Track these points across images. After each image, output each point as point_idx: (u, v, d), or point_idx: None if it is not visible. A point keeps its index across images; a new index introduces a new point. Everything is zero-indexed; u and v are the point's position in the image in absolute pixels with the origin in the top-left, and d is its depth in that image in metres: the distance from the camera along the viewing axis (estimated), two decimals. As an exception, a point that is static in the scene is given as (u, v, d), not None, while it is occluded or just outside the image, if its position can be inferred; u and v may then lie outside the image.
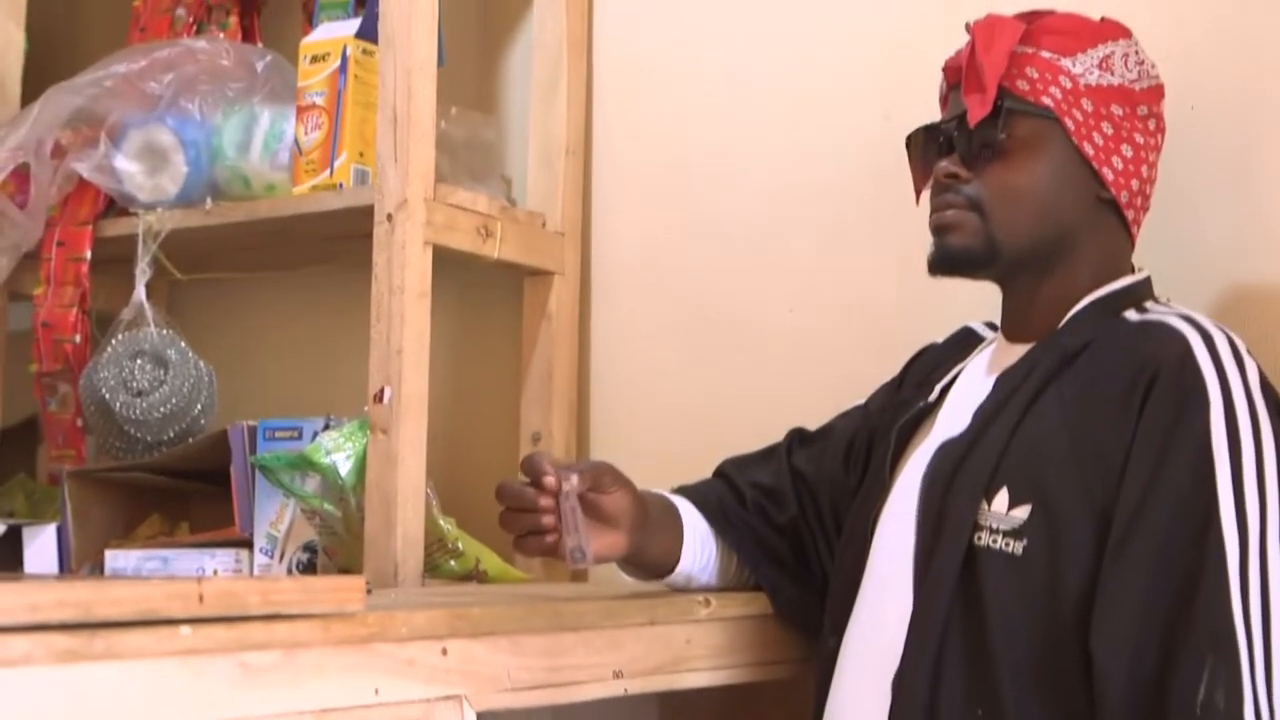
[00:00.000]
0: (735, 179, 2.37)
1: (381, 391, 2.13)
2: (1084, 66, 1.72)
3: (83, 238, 2.54)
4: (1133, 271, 1.78)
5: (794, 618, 1.92)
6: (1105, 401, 1.60)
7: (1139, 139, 1.74)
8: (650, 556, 1.85)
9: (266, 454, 2.21)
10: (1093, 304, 1.73)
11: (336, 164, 2.30)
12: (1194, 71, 1.97)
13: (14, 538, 2.41)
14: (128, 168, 2.47)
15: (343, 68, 2.32)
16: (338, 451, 2.16)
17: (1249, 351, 1.61)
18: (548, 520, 1.68)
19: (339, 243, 2.46)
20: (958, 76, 1.77)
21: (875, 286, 2.08)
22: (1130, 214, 1.75)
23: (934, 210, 1.77)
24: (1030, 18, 1.77)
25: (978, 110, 1.71)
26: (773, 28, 2.36)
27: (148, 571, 2.27)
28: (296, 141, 2.34)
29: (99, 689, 1.12)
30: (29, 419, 2.75)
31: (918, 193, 1.83)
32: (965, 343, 1.92)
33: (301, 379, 2.76)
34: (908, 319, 2.02)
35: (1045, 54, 1.73)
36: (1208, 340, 1.59)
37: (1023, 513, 1.60)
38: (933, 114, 1.84)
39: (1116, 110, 1.73)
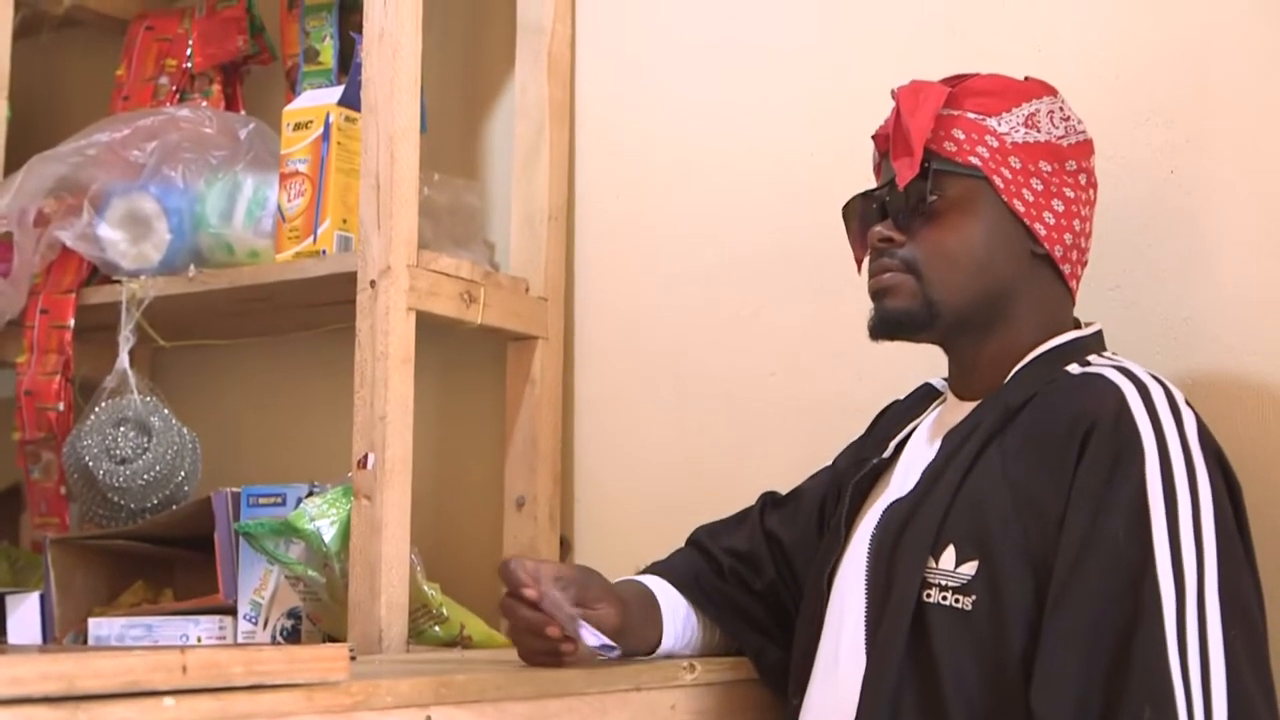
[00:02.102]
0: (717, 243, 2.38)
1: (365, 458, 2.13)
2: (1010, 125, 1.74)
3: (66, 305, 2.54)
4: (1076, 325, 1.80)
5: (779, 681, 1.91)
6: (1043, 455, 1.61)
7: (1069, 194, 1.75)
8: (631, 650, 1.84)
9: (250, 520, 2.21)
10: (1035, 359, 1.74)
11: (320, 230, 2.31)
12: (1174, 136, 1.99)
13: (-3, 605, 2.41)
14: (111, 236, 2.47)
15: (325, 135, 2.33)
16: (322, 518, 2.15)
17: (1187, 402, 1.63)
18: (552, 632, 1.69)
19: (322, 309, 2.47)
20: (887, 144, 1.79)
21: (856, 350, 2.09)
22: (1066, 268, 1.77)
23: (871, 275, 1.79)
24: (954, 81, 1.79)
25: (906, 173, 1.73)
26: (754, 94, 2.37)
27: (131, 639, 2.26)
28: (280, 208, 2.35)
29: (83, 762, 1.12)
30: (12, 487, 2.75)
31: (859, 262, 1.84)
32: (927, 398, 1.93)
33: (285, 445, 2.76)
34: (891, 383, 2.02)
35: (971, 115, 1.75)
36: (1143, 392, 1.60)
37: (970, 569, 1.61)
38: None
39: (1045, 166, 1.74)
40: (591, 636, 1.69)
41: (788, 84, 2.35)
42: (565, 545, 2.43)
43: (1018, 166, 1.73)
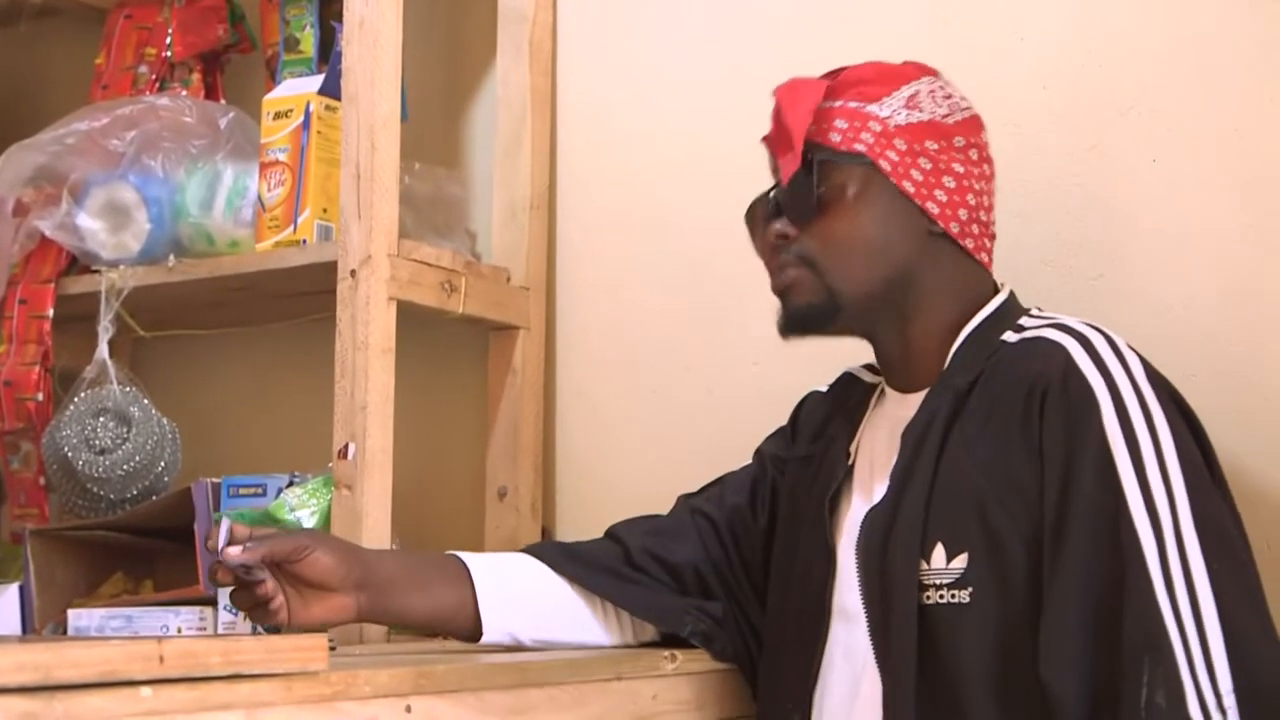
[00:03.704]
0: (700, 232, 2.37)
1: (346, 448, 2.12)
2: (891, 108, 1.75)
3: (45, 296, 2.53)
4: (995, 294, 1.80)
5: (724, 653, 1.90)
6: (1005, 431, 1.63)
7: (959, 169, 1.76)
8: (413, 613, 1.81)
9: (231, 510, 2.20)
10: (970, 336, 1.75)
11: (300, 220, 2.30)
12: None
13: (-27, 596, 2.39)
14: (90, 225, 2.46)
15: (306, 124, 2.32)
16: (302, 508, 2.15)
17: (1129, 346, 1.64)
18: (221, 577, 1.65)
19: (303, 299, 2.46)
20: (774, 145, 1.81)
21: (839, 340, 2.08)
22: (969, 242, 1.77)
23: (772, 275, 1.81)
24: (832, 74, 1.80)
25: (789, 167, 1.75)
26: (737, 82, 2.37)
27: (111, 630, 2.25)
28: (260, 198, 2.34)
29: (59, 752, 1.11)
30: (-10, 478, 2.74)
31: (768, 266, 1.84)
32: (849, 388, 1.94)
33: (265, 435, 2.75)
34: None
35: (852, 104, 1.76)
36: (1086, 344, 1.63)
37: (961, 562, 1.62)
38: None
39: (931, 145, 1.75)
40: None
41: (771, 72, 2.33)
42: (547, 535, 2.43)
43: (903, 148, 1.74)
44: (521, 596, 1.86)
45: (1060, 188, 2.07)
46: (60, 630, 2.35)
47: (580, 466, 2.45)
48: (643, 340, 2.41)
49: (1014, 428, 1.62)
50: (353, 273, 2.16)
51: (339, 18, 2.30)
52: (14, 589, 2.41)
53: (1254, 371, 1.92)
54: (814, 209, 1.75)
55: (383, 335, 2.16)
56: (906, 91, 1.76)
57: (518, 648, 1.85)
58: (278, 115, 2.35)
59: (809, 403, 1.99)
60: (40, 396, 2.53)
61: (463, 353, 2.53)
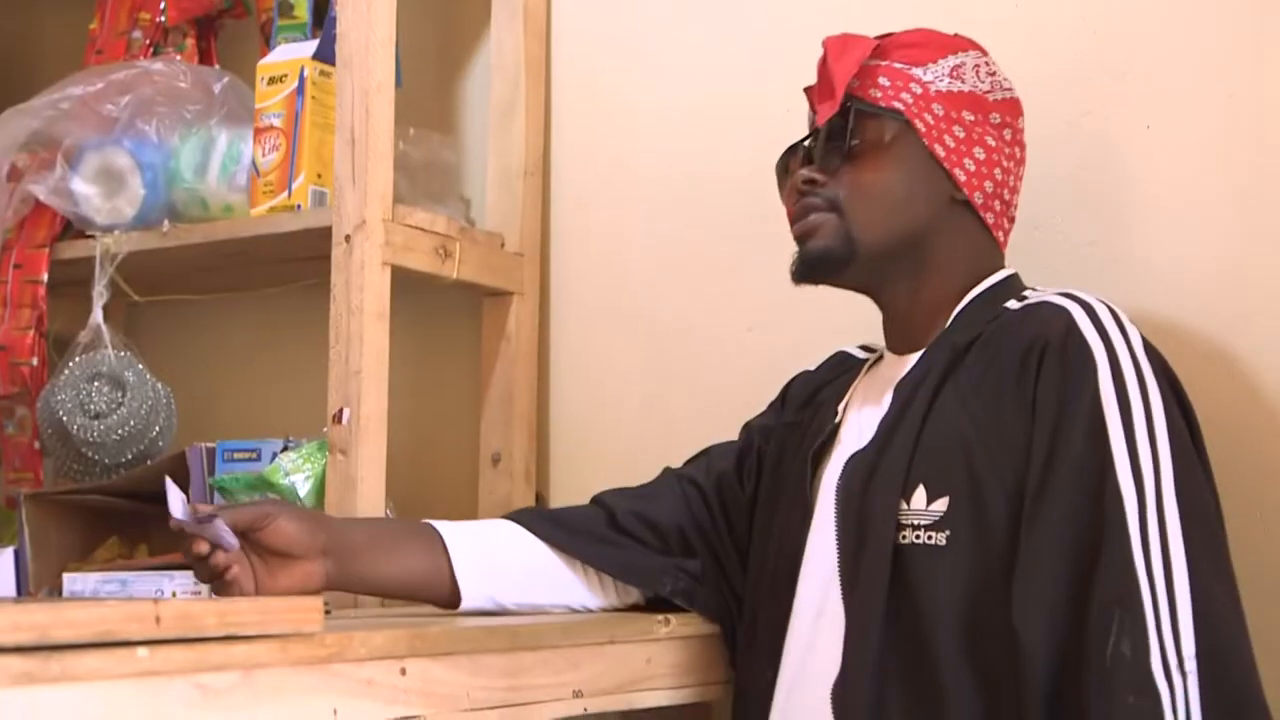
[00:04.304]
0: (693, 199, 2.37)
1: (340, 412, 2.13)
2: (935, 75, 1.78)
3: (40, 260, 2.53)
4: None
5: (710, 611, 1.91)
6: (1001, 385, 1.65)
7: (991, 143, 1.79)
8: (384, 579, 1.81)
9: (225, 475, 2.21)
10: (974, 301, 1.78)
11: (294, 185, 2.30)
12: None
13: (-31, 561, 2.40)
14: (84, 190, 2.46)
15: (300, 89, 2.32)
16: (296, 473, 2.15)
17: (1130, 320, 1.66)
18: (199, 548, 1.64)
19: (297, 264, 2.46)
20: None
21: (833, 307, 2.09)
22: (989, 216, 1.80)
23: (795, 220, 1.82)
24: (884, 36, 1.83)
25: (827, 111, 1.77)
26: (731, 48, 2.37)
27: (106, 594, 2.26)
28: (254, 163, 2.34)
29: (55, 712, 1.11)
30: (-14, 443, 2.74)
31: (790, 218, 1.85)
32: (842, 365, 1.97)
33: (260, 400, 2.76)
34: (865, 339, 2.02)
35: (897, 65, 1.79)
36: (1089, 310, 1.65)
37: (942, 505, 1.64)
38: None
39: (968, 115, 1.78)
40: (225, 534, 1.64)
41: (766, 39, 2.34)
42: (541, 501, 2.43)
43: (940, 114, 1.77)
44: (500, 561, 1.87)
45: (1054, 153, 2.07)
46: (55, 594, 2.36)
47: (574, 432, 2.46)
48: (637, 306, 2.41)
49: (1009, 383, 1.64)
50: (347, 238, 2.17)
51: (334, -17, 2.30)
52: (9, 553, 2.42)
53: (1245, 339, 1.92)
54: (846, 155, 1.77)
55: (377, 300, 2.16)
56: (952, 61, 1.80)
57: (501, 612, 1.85)
58: (272, 80, 2.35)
59: (799, 379, 2.02)
60: (35, 361, 2.53)
61: (456, 318, 2.53)
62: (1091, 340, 1.61)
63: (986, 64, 1.82)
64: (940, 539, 1.62)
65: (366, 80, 2.18)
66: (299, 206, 2.29)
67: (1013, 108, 1.83)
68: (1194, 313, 1.95)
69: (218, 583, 1.66)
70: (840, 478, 1.75)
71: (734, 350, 2.32)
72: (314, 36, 2.46)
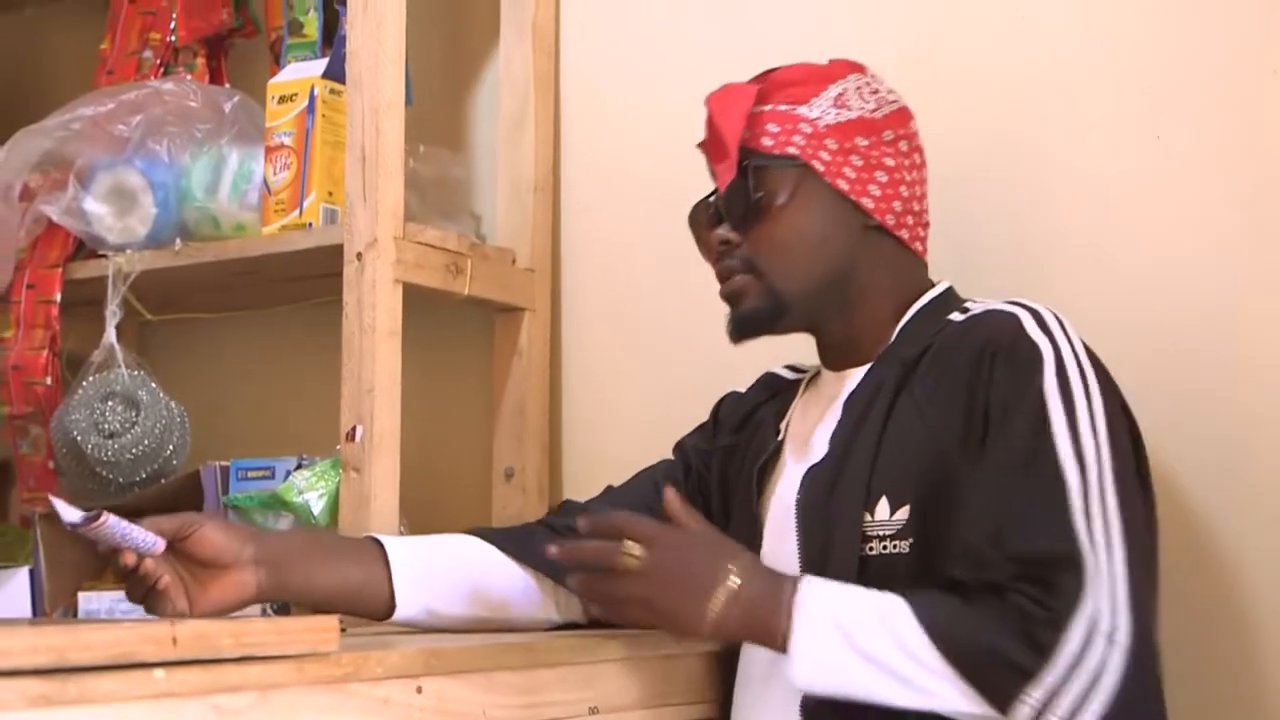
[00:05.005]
0: (703, 213, 2.37)
1: (353, 430, 2.13)
2: (820, 109, 1.80)
3: (52, 280, 2.54)
4: (933, 286, 1.85)
5: None
6: (954, 391, 1.67)
7: (890, 162, 1.81)
8: (317, 588, 1.74)
9: (239, 494, 2.21)
10: (917, 315, 1.80)
11: (306, 203, 2.31)
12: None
13: (-18, 581, 2.41)
14: (97, 210, 2.47)
15: (310, 108, 2.32)
16: (310, 490, 2.16)
17: (1070, 325, 1.69)
18: (127, 559, 1.60)
19: (309, 282, 2.47)
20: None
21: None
22: (904, 233, 1.83)
23: (720, 280, 1.85)
24: (761, 78, 1.85)
25: (726, 175, 1.79)
26: (740, 63, 2.36)
27: (121, 613, 2.26)
28: (265, 181, 2.35)
29: (73, 734, 1.12)
30: (0, 462, 2.74)
31: (715, 271, 1.87)
32: (773, 386, 1.99)
33: (272, 418, 2.76)
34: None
35: (782, 107, 1.81)
36: (1035, 315, 1.69)
37: (904, 514, 1.67)
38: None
39: (861, 141, 1.80)
40: (133, 532, 1.58)
41: (772, 52, 2.33)
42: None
43: (834, 147, 1.79)
44: (443, 571, 1.83)
45: (1056, 164, 2.08)
46: (70, 613, 2.36)
47: (586, 447, 2.46)
48: (647, 320, 2.42)
49: (961, 390, 1.66)
50: (359, 256, 2.17)
51: (343, 1, 2.30)
52: (24, 572, 2.42)
53: (1248, 343, 1.93)
54: (753, 215, 1.80)
55: (389, 318, 2.17)
56: (834, 91, 1.81)
57: (439, 625, 1.80)
58: (282, 99, 2.36)
59: (729, 400, 2.04)
60: (48, 381, 2.53)
61: (468, 334, 2.54)
62: (1038, 339, 1.65)
63: (868, 83, 1.84)
64: (903, 546, 1.66)
65: (377, 98, 2.19)
66: (310, 225, 2.30)
67: (901, 117, 1.84)
68: (1197, 320, 1.96)
69: (150, 596, 1.61)
70: (799, 491, 1.76)
71: (746, 364, 2.31)
72: (323, 55, 2.47)
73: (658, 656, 1.78)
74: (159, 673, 1.17)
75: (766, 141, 1.79)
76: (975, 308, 1.76)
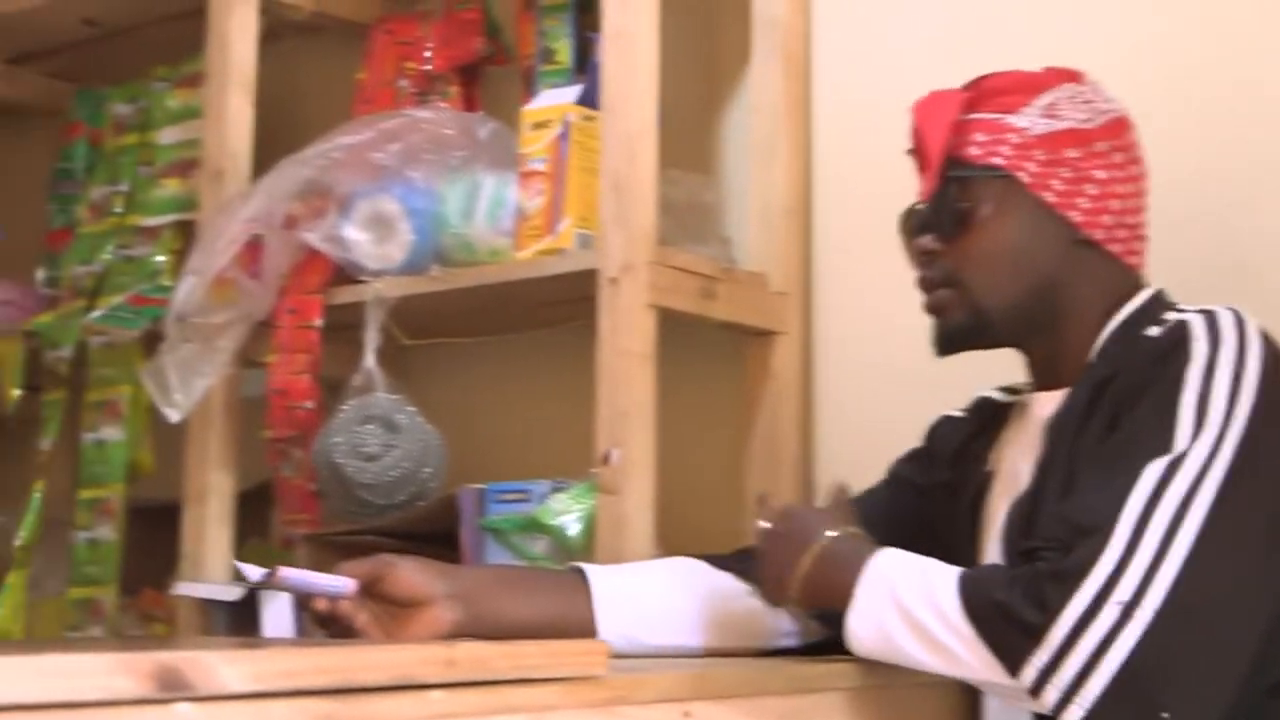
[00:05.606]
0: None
1: (609, 453, 2.14)
2: (1030, 119, 1.75)
3: (313, 306, 2.59)
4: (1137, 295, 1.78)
5: None
6: (1129, 403, 1.61)
7: (1101, 175, 1.75)
8: (516, 619, 1.73)
9: (497, 516, 2.24)
10: (1114, 333, 1.73)
11: (559, 229, 2.33)
12: None
13: (251, 602, 2.46)
14: (356, 237, 2.52)
15: (564, 134, 2.35)
16: (566, 514, 2.18)
17: (1266, 336, 1.60)
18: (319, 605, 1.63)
19: (562, 306, 2.49)
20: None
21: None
22: (1116, 247, 1.76)
23: (921, 290, 1.82)
24: (972, 85, 1.80)
25: (928, 186, 1.76)
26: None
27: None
28: (519, 207, 2.37)
29: (356, 752, 1.14)
30: (262, 484, 2.81)
31: (918, 279, 1.84)
32: (984, 410, 1.94)
33: (523, 441, 2.79)
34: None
35: (990, 116, 1.76)
36: (1209, 317, 1.60)
37: None
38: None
39: (1071, 153, 1.74)
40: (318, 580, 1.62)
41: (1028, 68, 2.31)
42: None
43: (1043, 158, 1.74)
44: (650, 597, 1.82)
45: None
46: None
47: (840, 471, 2.41)
48: (903, 348, 2.38)
49: (1131, 403, 1.61)
50: (613, 280, 2.18)
51: (595, 28, 2.33)
52: (287, 594, 2.47)
53: None
54: (956, 226, 1.76)
55: (643, 341, 2.18)
56: (1045, 100, 1.76)
57: (641, 653, 1.78)
58: (536, 125, 2.39)
59: (943, 427, 1.99)
60: (310, 404, 2.59)
61: (719, 359, 2.53)
62: (1199, 338, 1.58)
63: (1081, 92, 1.78)
64: None
65: (629, 124, 2.21)
66: (564, 250, 2.32)
67: (1118, 127, 1.78)
68: None
69: (348, 638, 1.63)
70: (1004, 526, 1.74)
71: (1007, 381, 2.28)
72: (576, 82, 2.49)
73: (920, 685, 1.76)
74: (437, 694, 1.18)
75: (972, 151, 1.76)
76: (1172, 318, 1.68)
